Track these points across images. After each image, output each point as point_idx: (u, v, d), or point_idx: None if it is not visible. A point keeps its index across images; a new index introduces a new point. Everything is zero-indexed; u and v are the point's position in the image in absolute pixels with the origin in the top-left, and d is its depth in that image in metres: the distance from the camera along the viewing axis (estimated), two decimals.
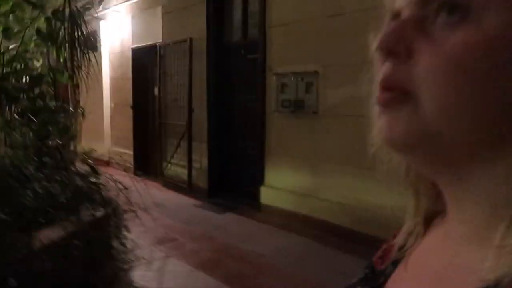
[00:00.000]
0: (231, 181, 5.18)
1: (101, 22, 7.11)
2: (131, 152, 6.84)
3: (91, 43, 7.29)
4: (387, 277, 0.45)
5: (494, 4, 0.29)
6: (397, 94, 0.33)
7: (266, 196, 4.48)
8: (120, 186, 2.96)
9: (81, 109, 3.95)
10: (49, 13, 3.78)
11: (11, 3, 3.55)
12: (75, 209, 2.26)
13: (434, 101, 0.32)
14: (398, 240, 0.45)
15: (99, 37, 7.58)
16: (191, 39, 5.38)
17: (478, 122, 0.31)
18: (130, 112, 6.97)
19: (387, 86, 0.34)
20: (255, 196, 4.58)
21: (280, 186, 4.34)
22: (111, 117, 7.86)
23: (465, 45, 0.30)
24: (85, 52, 4.32)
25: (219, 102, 5.20)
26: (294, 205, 4.19)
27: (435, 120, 0.32)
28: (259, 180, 4.54)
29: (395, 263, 0.45)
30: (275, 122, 4.34)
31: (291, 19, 4.10)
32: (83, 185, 2.44)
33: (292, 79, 4.07)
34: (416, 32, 0.32)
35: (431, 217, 0.43)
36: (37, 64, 4.03)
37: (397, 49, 0.33)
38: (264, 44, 4.39)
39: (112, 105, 7.82)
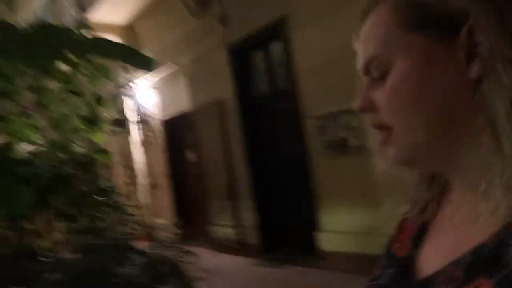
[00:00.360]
0: (284, 233, 5.07)
1: (126, 99, 7.38)
2: (172, 221, 6.81)
3: (120, 122, 7.54)
4: (413, 257, 0.54)
5: (396, 61, 0.47)
6: (385, 133, 0.49)
7: (325, 241, 4.35)
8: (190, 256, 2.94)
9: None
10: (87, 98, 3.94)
11: (54, 95, 3.72)
12: (160, 283, 2.24)
13: (397, 126, 0.48)
14: (412, 218, 0.57)
15: (127, 114, 7.86)
16: (219, 100, 5.51)
17: (431, 126, 0.46)
18: (166, 181, 7.03)
19: (376, 127, 0.51)
20: (312, 244, 4.45)
21: (338, 228, 4.23)
22: (146, 190, 7.92)
23: (393, 85, 0.48)
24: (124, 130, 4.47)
25: (258, 156, 5.21)
26: (356, 246, 4.04)
27: (405, 138, 0.48)
28: (314, 226, 4.44)
29: (416, 244, 0.55)
30: (322, 165, 4.31)
31: (320, 62, 4.17)
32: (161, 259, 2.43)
33: (331, 120, 4.08)
34: (371, 90, 0.50)
35: (444, 189, 0.55)
36: (77, 149, 4.14)
37: (366, 106, 0.51)
38: (296, 91, 4.46)
39: (147, 177, 7.91)
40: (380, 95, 0.49)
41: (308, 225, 4.54)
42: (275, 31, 4.65)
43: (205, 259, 3.31)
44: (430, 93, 0.46)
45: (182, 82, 6.30)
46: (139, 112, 7.46)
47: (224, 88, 5.44)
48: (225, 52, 5.36)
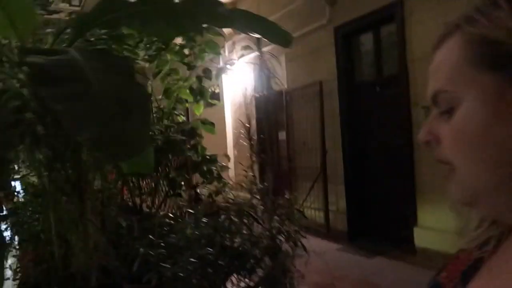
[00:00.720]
0: (374, 223, 4.95)
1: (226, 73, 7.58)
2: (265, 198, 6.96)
3: (218, 95, 7.77)
4: None
5: (465, 99, 0.45)
6: (448, 169, 0.48)
7: (421, 238, 4.17)
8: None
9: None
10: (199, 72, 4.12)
11: (168, 66, 3.93)
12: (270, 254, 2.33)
13: (460, 166, 0.47)
14: (469, 251, 0.55)
15: (221, 89, 8.10)
16: (319, 81, 5.43)
17: (497, 171, 0.44)
18: (256, 158, 7.17)
19: (439, 161, 0.49)
20: (407, 238, 4.29)
21: (438, 226, 4.02)
22: (235, 164, 8.16)
23: (460, 123, 0.46)
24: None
25: (354, 141, 5.09)
26: (453, 246, 3.83)
27: (468, 180, 0.46)
28: (411, 221, 4.26)
29: (465, 279, 0.53)
30: (427, 158, 4.09)
31: None
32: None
33: None
34: (437, 122, 0.49)
35: (506, 231, 0.51)
36: (180, 119, 4.33)
37: (430, 140, 0.50)
38: (405, 78, 4.25)
39: (236, 152, 8.14)
40: (445, 131, 0.48)
41: (403, 218, 4.38)
42: (388, 14, 4.44)
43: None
44: (498, 137, 0.43)
45: (282, 60, 6.30)
46: (237, 87, 7.64)
47: (326, 69, 5.35)
48: (331, 33, 5.25)
